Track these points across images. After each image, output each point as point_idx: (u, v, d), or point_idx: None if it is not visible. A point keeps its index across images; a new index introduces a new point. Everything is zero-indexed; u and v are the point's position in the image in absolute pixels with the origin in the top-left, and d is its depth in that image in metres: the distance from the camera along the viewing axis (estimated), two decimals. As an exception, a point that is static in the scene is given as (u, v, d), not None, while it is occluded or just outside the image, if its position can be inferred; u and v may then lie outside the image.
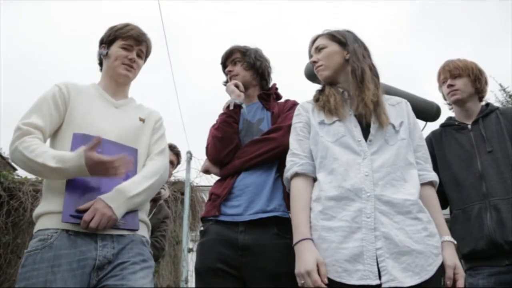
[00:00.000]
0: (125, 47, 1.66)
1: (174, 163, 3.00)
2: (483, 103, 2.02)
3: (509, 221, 1.69)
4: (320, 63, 1.58)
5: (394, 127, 1.45)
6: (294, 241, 1.37)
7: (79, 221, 1.35)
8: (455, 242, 1.39)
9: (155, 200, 2.70)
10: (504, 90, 6.81)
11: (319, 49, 1.60)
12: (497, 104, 6.61)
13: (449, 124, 2.01)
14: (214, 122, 1.87)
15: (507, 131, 1.84)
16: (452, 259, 1.33)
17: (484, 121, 1.92)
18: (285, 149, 1.62)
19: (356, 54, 1.53)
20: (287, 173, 1.50)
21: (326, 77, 1.57)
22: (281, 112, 1.79)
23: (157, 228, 2.75)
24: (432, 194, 1.45)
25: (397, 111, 1.52)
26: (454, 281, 1.32)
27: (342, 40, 1.57)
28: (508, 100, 6.77)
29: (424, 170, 1.47)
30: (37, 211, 1.44)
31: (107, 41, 1.68)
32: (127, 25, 1.70)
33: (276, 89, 1.94)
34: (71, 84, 1.59)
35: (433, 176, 1.48)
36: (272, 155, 1.66)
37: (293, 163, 1.49)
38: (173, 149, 2.98)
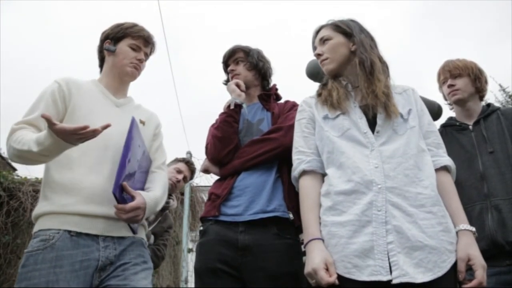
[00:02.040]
0: (134, 47, 1.65)
1: (187, 179, 2.97)
2: (484, 103, 2.03)
3: (510, 222, 1.68)
4: (325, 56, 1.51)
5: (402, 116, 1.39)
6: (304, 242, 1.34)
7: (120, 199, 1.36)
8: (473, 229, 1.28)
9: (162, 209, 2.66)
10: (504, 90, 6.82)
11: (323, 41, 1.53)
12: (496, 104, 6.62)
13: (450, 124, 2.00)
14: (214, 121, 1.87)
15: (508, 132, 1.84)
16: (464, 250, 1.23)
17: (485, 122, 1.92)
18: (285, 149, 1.61)
19: (364, 45, 1.47)
20: (295, 171, 1.45)
21: (331, 70, 1.51)
22: (281, 112, 1.78)
23: (160, 236, 2.75)
24: (446, 180, 1.37)
25: (404, 99, 1.46)
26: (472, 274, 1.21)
27: (348, 30, 1.51)
28: (508, 100, 6.77)
29: (436, 156, 1.39)
30: (37, 210, 1.43)
31: (115, 37, 1.65)
32: (135, 24, 1.69)
33: (276, 89, 1.93)
34: (72, 81, 1.56)
35: (446, 161, 1.39)
36: (272, 156, 1.65)
37: (299, 161, 1.45)
38: (190, 165, 2.96)
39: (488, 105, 2.00)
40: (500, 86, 6.80)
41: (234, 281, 1.52)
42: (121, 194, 1.36)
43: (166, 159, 1.74)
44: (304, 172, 1.43)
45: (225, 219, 1.60)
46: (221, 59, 1.98)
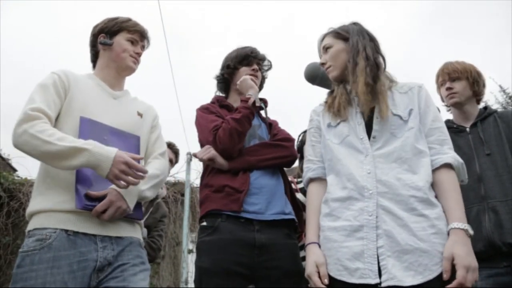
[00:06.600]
0: (131, 40, 1.65)
1: (172, 162, 2.94)
2: (481, 106, 2.04)
3: (507, 223, 1.70)
4: (328, 64, 1.54)
5: (401, 117, 1.38)
6: (305, 245, 1.42)
7: (91, 208, 1.33)
8: (465, 226, 1.24)
9: (152, 200, 2.59)
10: (504, 91, 6.84)
11: (325, 49, 1.56)
12: (496, 106, 6.64)
13: (447, 126, 1.99)
14: (203, 107, 1.84)
15: (505, 134, 1.86)
16: (449, 249, 1.20)
17: (483, 124, 1.93)
18: (292, 160, 1.73)
19: (356, 48, 1.47)
20: (304, 180, 1.54)
21: (335, 77, 1.53)
22: (274, 127, 1.85)
23: (154, 227, 2.67)
24: (445, 178, 1.33)
25: (408, 98, 1.44)
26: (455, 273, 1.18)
27: (346, 35, 1.52)
28: (508, 101, 6.79)
29: (438, 154, 1.36)
30: (32, 207, 1.38)
31: (110, 31, 1.64)
32: (130, 19, 1.69)
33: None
34: (70, 72, 1.54)
35: (447, 158, 1.34)
36: (283, 162, 1.73)
37: (307, 169, 1.52)
38: (172, 147, 2.92)
39: (485, 108, 2.01)
40: (500, 87, 6.83)
41: (244, 282, 1.53)
42: (90, 203, 1.34)
43: (166, 149, 1.72)
44: (311, 180, 1.51)
45: (246, 216, 1.57)
46: (239, 51, 1.90)
